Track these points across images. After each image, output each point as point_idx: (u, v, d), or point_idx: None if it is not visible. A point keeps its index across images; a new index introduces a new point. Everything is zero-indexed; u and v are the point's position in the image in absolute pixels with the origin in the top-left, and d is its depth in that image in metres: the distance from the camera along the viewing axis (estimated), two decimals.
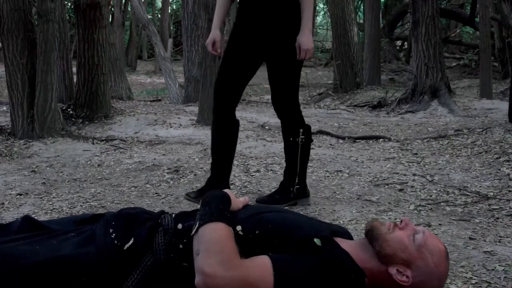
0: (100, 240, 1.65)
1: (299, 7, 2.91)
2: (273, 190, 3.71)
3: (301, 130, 3.08)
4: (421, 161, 4.57)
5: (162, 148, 5.30)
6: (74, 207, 3.33)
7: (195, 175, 4.09)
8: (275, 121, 6.91)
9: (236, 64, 2.99)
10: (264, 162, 4.58)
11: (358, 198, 3.49)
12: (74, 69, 7.67)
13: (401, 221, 1.66)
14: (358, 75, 10.83)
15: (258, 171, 4.25)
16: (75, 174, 4.33)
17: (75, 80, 7.60)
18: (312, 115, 7.90)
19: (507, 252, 2.38)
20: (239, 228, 1.63)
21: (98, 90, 6.81)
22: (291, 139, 3.08)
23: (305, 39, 2.87)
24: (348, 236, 1.81)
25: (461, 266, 2.22)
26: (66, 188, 3.85)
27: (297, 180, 3.15)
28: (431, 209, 3.26)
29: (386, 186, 3.79)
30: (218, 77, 3.06)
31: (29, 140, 5.58)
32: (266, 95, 11.73)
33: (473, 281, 2.07)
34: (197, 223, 1.58)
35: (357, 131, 6.35)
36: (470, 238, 2.62)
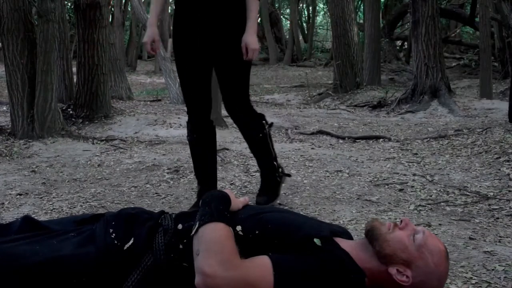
0: (100, 240, 1.65)
1: (244, 8, 2.80)
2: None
3: (263, 121, 3.06)
4: (421, 161, 4.57)
5: (162, 148, 5.30)
6: (74, 207, 3.33)
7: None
8: (275, 121, 6.90)
9: (189, 72, 2.88)
10: None
11: (358, 198, 3.49)
12: (74, 69, 7.67)
13: (401, 221, 1.66)
14: (358, 75, 10.83)
15: (258, 171, 4.25)
16: (75, 174, 4.33)
17: (75, 80, 7.60)
18: (312, 115, 7.90)
19: (507, 252, 2.38)
20: (239, 228, 1.63)
21: (98, 90, 6.82)
22: (260, 135, 3.02)
23: (251, 39, 2.77)
24: (348, 236, 1.81)
25: (461, 266, 2.22)
26: (66, 188, 3.85)
27: (276, 165, 3.19)
28: (431, 209, 3.26)
29: (386, 186, 3.79)
30: (182, 87, 2.98)
31: (29, 140, 5.58)
32: (266, 95, 11.74)
33: (473, 281, 2.07)
34: (197, 223, 1.58)
35: (357, 131, 6.35)
36: (470, 238, 2.62)
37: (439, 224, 2.87)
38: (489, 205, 3.31)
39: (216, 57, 2.84)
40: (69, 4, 16.62)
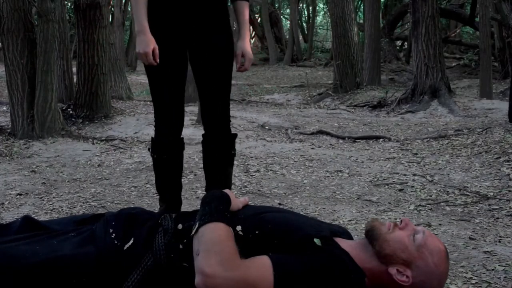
0: (100, 240, 1.65)
1: (226, 8, 2.48)
2: (273, 189, 3.72)
3: (235, 141, 2.65)
4: (421, 161, 4.57)
5: None
6: (74, 207, 3.33)
7: (195, 175, 4.09)
8: (275, 121, 6.91)
9: (165, 80, 2.45)
10: (264, 162, 4.58)
11: (358, 198, 3.49)
12: (74, 69, 7.67)
13: (401, 221, 1.66)
14: (358, 75, 10.83)
15: (258, 171, 4.26)
16: (75, 174, 4.33)
17: (75, 80, 7.60)
18: (312, 115, 7.90)
19: (507, 252, 2.38)
20: (239, 228, 1.63)
21: (98, 90, 6.82)
22: (232, 152, 2.61)
23: (248, 48, 2.46)
24: (348, 236, 1.81)
25: (461, 266, 2.22)
26: (66, 188, 3.85)
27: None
28: (431, 209, 3.26)
29: (386, 186, 3.79)
30: (154, 99, 2.51)
31: (29, 140, 5.58)
32: (266, 95, 11.74)
33: (473, 281, 2.07)
34: (197, 223, 1.58)
35: (357, 131, 6.35)
36: (470, 238, 2.62)
37: (439, 224, 2.87)
38: (489, 205, 3.31)
39: (198, 61, 2.47)
40: (69, 4, 16.61)
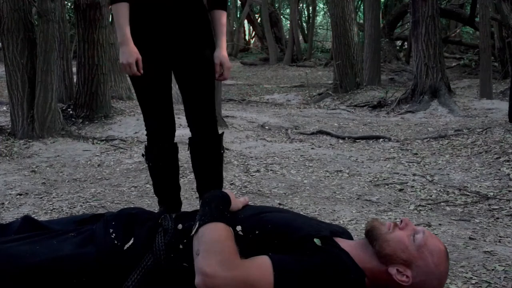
0: (100, 240, 1.65)
1: (207, 17, 2.47)
2: (273, 189, 3.72)
3: (222, 139, 2.64)
4: (421, 161, 4.57)
5: None
6: (74, 207, 3.33)
7: None
8: (275, 121, 6.91)
9: (152, 91, 2.44)
10: (264, 162, 4.58)
11: (358, 198, 3.49)
12: (74, 69, 7.67)
13: (401, 221, 1.66)
14: (358, 75, 10.83)
15: (258, 171, 4.26)
16: (75, 174, 4.33)
17: (75, 80, 7.60)
18: (312, 115, 7.90)
19: (507, 252, 2.38)
20: (239, 228, 1.63)
21: (98, 90, 6.82)
22: (222, 151, 2.61)
23: (226, 57, 2.44)
24: (348, 236, 1.81)
25: (461, 266, 2.22)
26: (66, 188, 3.85)
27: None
28: (431, 209, 3.26)
29: (386, 186, 3.79)
30: (143, 109, 2.51)
31: (29, 140, 5.58)
32: (266, 95, 11.74)
33: (473, 281, 2.07)
34: (197, 223, 1.58)
35: (357, 131, 6.35)
36: (470, 238, 2.62)
37: (439, 224, 2.87)
38: (489, 205, 3.31)
39: (181, 67, 2.45)
40: (69, 4, 16.61)
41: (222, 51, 2.43)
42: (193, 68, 2.42)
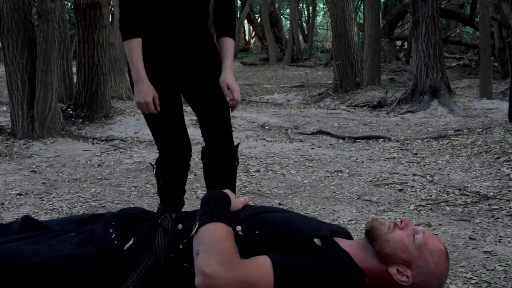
0: (100, 240, 1.65)
1: (214, 45, 2.45)
2: (273, 189, 3.72)
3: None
4: (421, 161, 4.57)
5: None
6: (74, 207, 3.33)
7: (195, 175, 4.09)
8: (275, 121, 6.91)
9: (166, 119, 2.36)
10: (264, 162, 4.58)
11: (358, 198, 3.49)
12: (74, 69, 7.67)
13: (401, 221, 1.66)
14: (358, 75, 10.82)
15: (258, 171, 4.26)
16: (75, 174, 4.33)
17: (75, 80, 7.60)
18: (312, 115, 7.90)
19: (507, 252, 2.38)
20: (239, 228, 1.63)
21: (98, 90, 6.82)
22: (236, 163, 2.52)
23: (232, 78, 2.38)
24: (348, 236, 1.81)
25: (461, 266, 2.22)
26: (66, 188, 3.85)
27: None
28: (431, 209, 3.26)
29: (386, 186, 3.79)
30: (159, 138, 2.44)
31: (29, 140, 5.58)
32: (266, 95, 11.74)
33: (473, 281, 2.07)
34: (197, 224, 1.58)
35: (357, 131, 6.35)
36: (470, 238, 2.62)
37: (439, 224, 2.87)
38: (489, 205, 3.31)
39: (190, 88, 2.40)
40: (69, 4, 16.61)
41: (226, 74, 2.38)
42: (203, 82, 2.37)
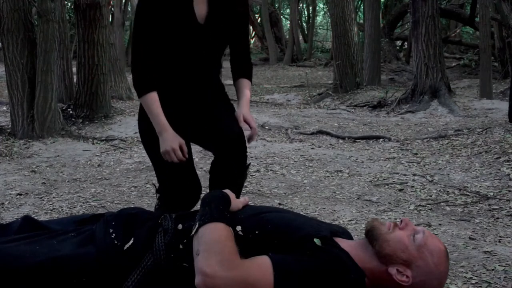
0: (100, 240, 1.65)
1: (224, 92, 2.42)
2: (273, 189, 3.72)
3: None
4: (421, 161, 4.57)
5: None
6: (74, 207, 3.33)
7: None
8: (275, 121, 6.91)
9: (177, 166, 2.27)
10: (264, 162, 4.58)
11: (358, 198, 3.49)
12: (74, 69, 7.67)
13: (401, 221, 1.66)
14: (358, 75, 10.82)
15: (258, 171, 4.25)
16: (75, 174, 4.33)
17: (75, 80, 7.61)
18: (312, 115, 7.90)
19: (507, 252, 2.38)
20: (239, 228, 1.63)
21: (98, 90, 6.82)
22: (244, 179, 2.49)
23: (248, 112, 2.32)
24: (348, 236, 1.81)
25: (461, 266, 2.22)
26: (66, 188, 3.85)
27: None
28: (431, 209, 3.26)
29: (386, 186, 3.79)
30: (171, 184, 2.37)
31: (29, 140, 5.58)
32: (266, 95, 11.74)
33: (473, 281, 2.07)
34: (197, 224, 1.58)
35: (357, 131, 6.35)
36: (470, 238, 2.62)
37: (439, 224, 2.87)
38: (489, 205, 3.31)
39: (197, 126, 2.35)
40: (69, 4, 16.61)
41: (243, 108, 2.32)
42: (210, 113, 2.32)
